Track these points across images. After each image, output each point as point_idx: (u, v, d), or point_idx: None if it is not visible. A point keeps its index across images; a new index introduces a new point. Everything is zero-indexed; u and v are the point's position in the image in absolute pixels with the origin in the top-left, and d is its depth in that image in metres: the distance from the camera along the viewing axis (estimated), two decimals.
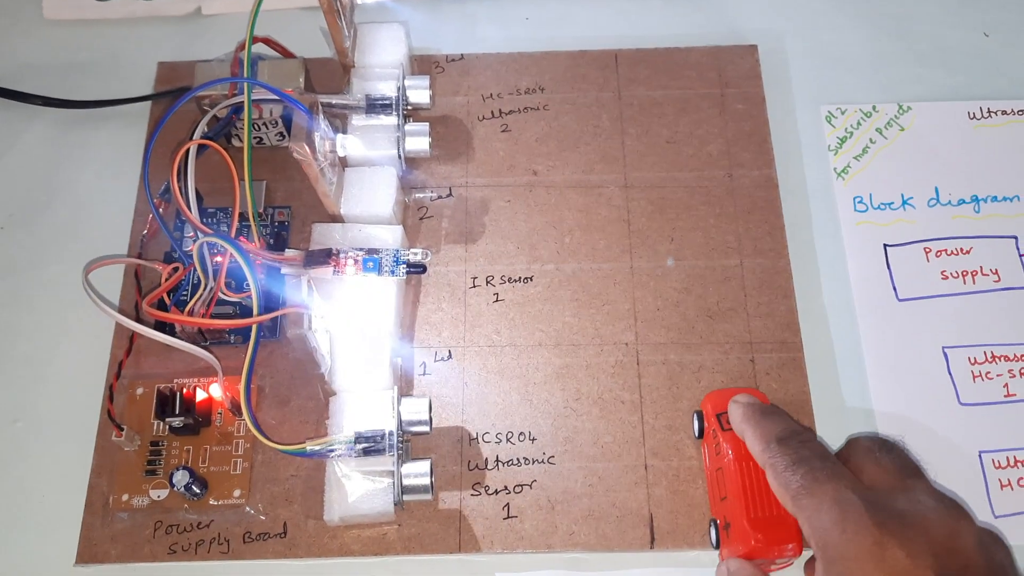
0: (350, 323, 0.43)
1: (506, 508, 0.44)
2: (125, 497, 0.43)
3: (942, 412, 0.46)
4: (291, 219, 0.50)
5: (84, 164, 0.53)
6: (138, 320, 0.45)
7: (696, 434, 0.45)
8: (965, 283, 0.48)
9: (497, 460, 0.45)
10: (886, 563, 0.34)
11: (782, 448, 0.39)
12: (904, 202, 0.50)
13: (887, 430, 0.45)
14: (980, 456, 0.45)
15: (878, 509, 0.35)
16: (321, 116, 0.42)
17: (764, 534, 0.39)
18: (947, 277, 0.48)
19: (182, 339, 0.43)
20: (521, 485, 0.44)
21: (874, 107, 0.53)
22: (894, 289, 0.48)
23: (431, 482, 0.42)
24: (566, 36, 0.56)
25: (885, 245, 0.49)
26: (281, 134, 0.51)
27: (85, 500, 0.44)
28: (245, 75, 0.46)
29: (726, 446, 0.41)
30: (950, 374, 0.46)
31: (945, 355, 0.47)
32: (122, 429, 0.43)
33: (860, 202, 0.51)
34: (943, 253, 0.49)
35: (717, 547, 0.42)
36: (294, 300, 0.39)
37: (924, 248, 0.49)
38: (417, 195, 0.51)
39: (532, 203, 0.51)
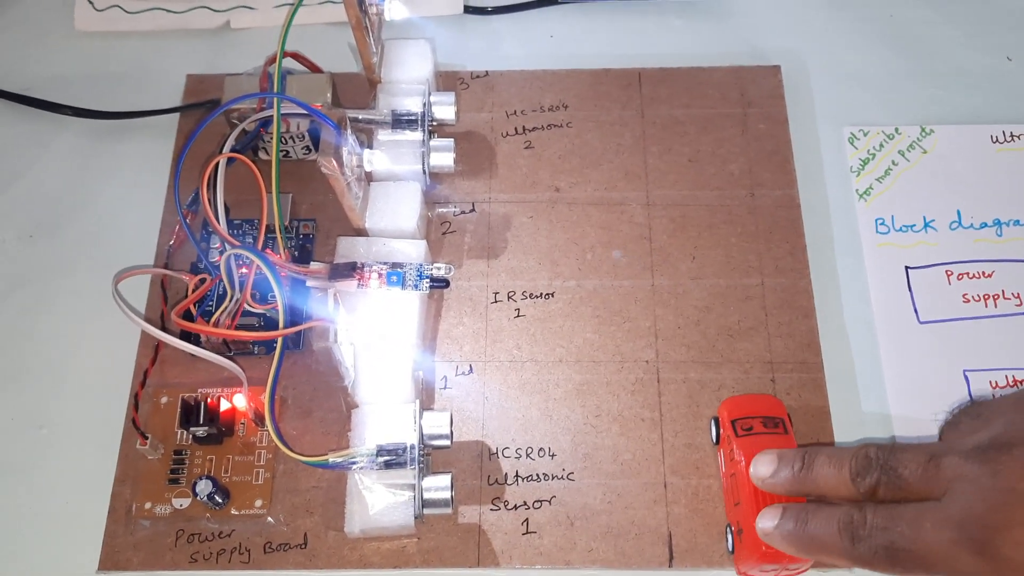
0: (373, 336, 0.44)
1: (525, 523, 0.44)
2: (148, 505, 0.44)
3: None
4: (316, 232, 0.50)
5: (112, 174, 0.53)
6: (164, 330, 0.46)
7: (713, 440, 0.45)
8: (987, 306, 0.48)
9: (517, 475, 0.45)
10: None
11: (868, 550, 0.35)
12: (926, 224, 0.51)
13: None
14: None
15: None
16: (349, 131, 0.43)
17: None
18: (969, 300, 0.48)
19: (207, 349, 0.43)
20: (540, 501, 0.44)
21: (897, 129, 0.53)
22: (915, 311, 0.48)
23: (451, 496, 0.42)
24: (590, 54, 0.57)
25: (907, 267, 0.50)
26: (307, 148, 0.51)
27: (108, 507, 0.44)
28: (275, 89, 0.46)
29: (739, 452, 0.41)
30: (971, 397, 0.46)
31: (966, 378, 0.47)
32: (147, 437, 0.44)
33: (882, 224, 0.51)
34: (965, 276, 0.49)
35: (732, 552, 0.42)
36: (320, 313, 0.39)
37: (946, 271, 0.49)
38: (440, 210, 0.52)
39: (554, 219, 0.51)
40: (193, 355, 0.43)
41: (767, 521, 0.38)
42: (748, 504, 0.40)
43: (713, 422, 0.45)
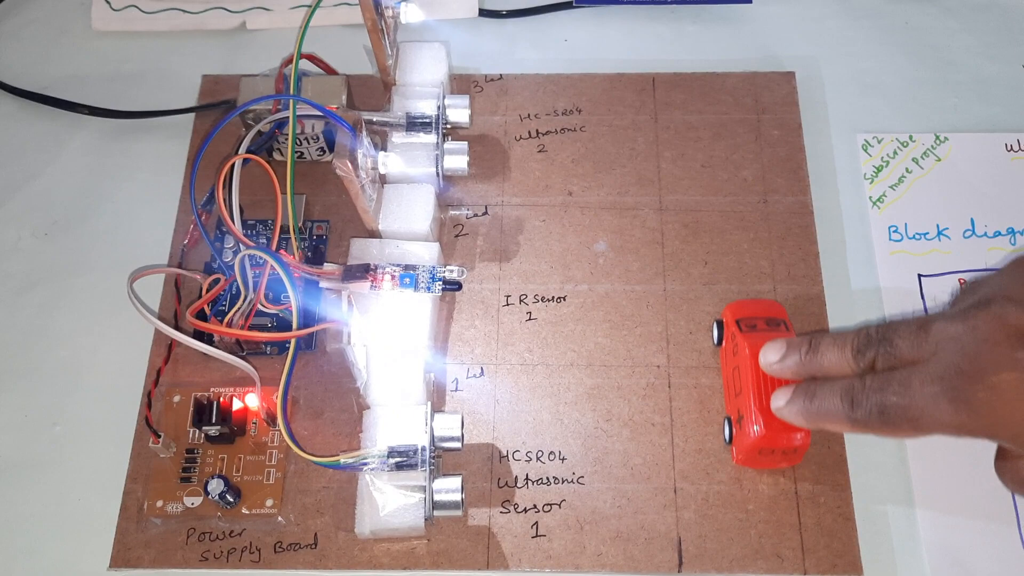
0: (386, 338, 0.44)
1: (535, 527, 0.44)
2: (159, 503, 0.44)
3: (974, 443, 0.45)
4: (329, 233, 0.51)
5: (128, 174, 0.54)
6: (177, 329, 0.46)
7: (715, 342, 0.47)
8: None
9: (527, 478, 0.45)
10: None
11: (865, 413, 0.37)
12: (939, 232, 0.50)
13: (918, 466, 0.45)
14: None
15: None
16: (364, 134, 0.43)
17: (774, 420, 0.41)
18: None
19: (220, 349, 0.44)
20: (550, 504, 0.44)
21: (911, 137, 0.53)
22: None
23: (462, 498, 0.42)
24: (604, 59, 0.57)
25: (920, 275, 0.49)
26: (322, 149, 0.51)
27: (120, 505, 0.45)
28: (290, 91, 0.47)
29: (744, 344, 0.43)
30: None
31: None
32: (159, 436, 0.44)
33: (895, 231, 0.51)
34: None
35: (730, 443, 0.45)
36: (333, 315, 0.39)
37: (959, 279, 0.49)
38: (453, 212, 0.52)
39: (567, 223, 0.51)
40: (206, 355, 0.44)
41: (780, 400, 0.40)
42: (748, 391, 0.42)
43: (716, 325, 0.47)
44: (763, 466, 0.45)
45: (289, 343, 0.43)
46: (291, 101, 0.44)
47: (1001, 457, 0.39)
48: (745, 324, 0.44)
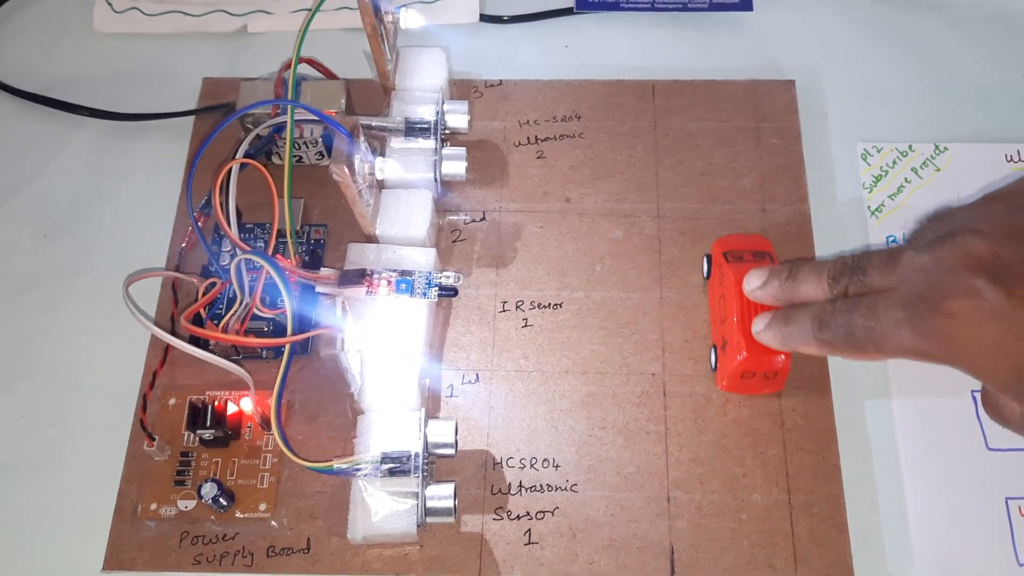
0: (381, 344, 0.44)
1: (527, 534, 0.44)
2: (153, 506, 0.44)
3: (969, 456, 0.45)
4: (327, 237, 0.51)
5: (127, 175, 0.54)
6: (173, 331, 0.46)
7: (704, 275, 0.49)
8: None
9: (520, 485, 0.45)
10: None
11: (832, 335, 0.39)
12: None
13: (913, 469, 0.45)
14: (1007, 503, 0.44)
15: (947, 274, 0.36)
16: (361, 139, 0.43)
17: (756, 343, 0.43)
18: None
19: (216, 352, 0.44)
20: (543, 511, 0.44)
21: (910, 146, 0.53)
22: None
23: (454, 505, 0.42)
24: (604, 65, 0.57)
25: None
26: (320, 153, 0.51)
27: (115, 507, 0.45)
28: (289, 95, 0.47)
29: (730, 273, 0.45)
30: (979, 418, 0.46)
31: (974, 399, 0.47)
32: (153, 439, 0.44)
33: (894, 241, 0.51)
34: None
35: (715, 369, 0.46)
36: (328, 321, 0.39)
37: (982, 395, 0.49)
38: (451, 217, 0.52)
39: (564, 230, 0.51)
40: None
41: (759, 324, 0.43)
42: (733, 318, 0.44)
43: (705, 259, 0.49)
44: (747, 391, 0.46)
45: (284, 347, 0.43)
46: (289, 107, 0.44)
47: (985, 394, 0.41)
48: (732, 256, 0.46)
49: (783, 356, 0.43)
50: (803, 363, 0.47)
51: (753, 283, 0.43)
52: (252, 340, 0.44)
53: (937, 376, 0.46)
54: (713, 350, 0.47)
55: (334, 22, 0.57)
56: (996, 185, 0.50)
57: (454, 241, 0.51)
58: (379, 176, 0.47)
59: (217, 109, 0.55)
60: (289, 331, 0.41)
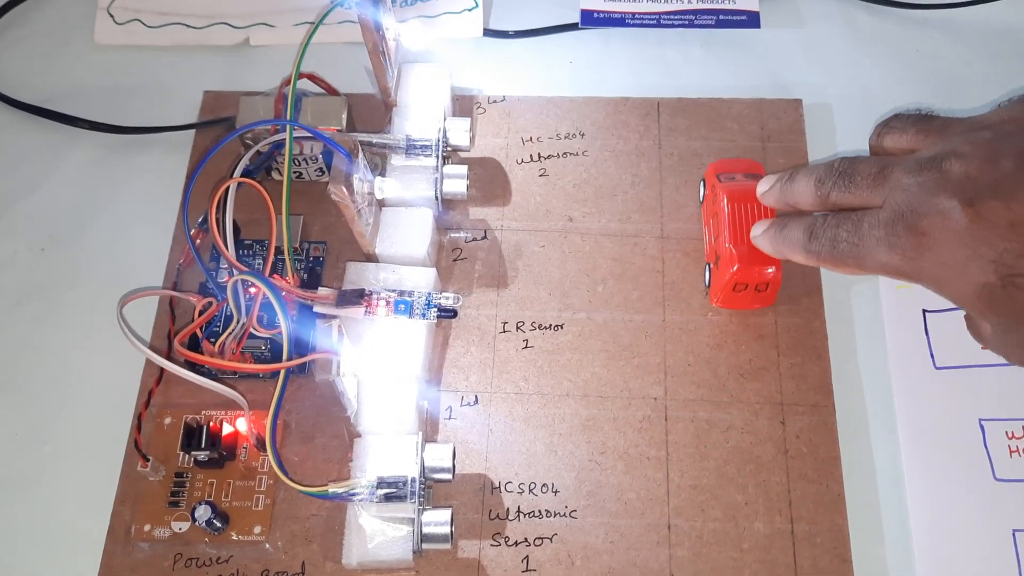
0: (378, 365, 0.44)
1: (525, 561, 0.43)
2: (147, 527, 0.44)
3: (976, 486, 0.45)
4: (326, 254, 0.50)
5: (126, 189, 0.53)
6: (170, 348, 0.45)
7: (700, 199, 0.51)
8: None
9: (519, 511, 0.44)
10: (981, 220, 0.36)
11: (819, 246, 0.41)
12: None
13: (918, 501, 0.44)
14: (1014, 535, 0.43)
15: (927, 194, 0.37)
16: (360, 159, 0.43)
17: (747, 255, 0.45)
18: None
19: (212, 369, 0.43)
20: (541, 538, 0.44)
21: None
22: (932, 356, 0.47)
23: (451, 531, 0.41)
24: (609, 82, 0.56)
25: (924, 310, 0.49)
26: (321, 170, 0.51)
27: (108, 527, 0.44)
28: (288, 112, 0.46)
29: (722, 192, 0.47)
30: (986, 448, 0.45)
31: (982, 427, 0.46)
32: (148, 460, 0.43)
33: None
34: None
35: (708, 287, 0.48)
36: (323, 345, 0.39)
37: (964, 316, 0.48)
38: (452, 235, 0.51)
39: (566, 249, 0.51)
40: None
41: (758, 228, 0.45)
42: (724, 233, 0.46)
43: (701, 184, 0.51)
44: (739, 306, 0.48)
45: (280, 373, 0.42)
46: (288, 126, 0.44)
47: (967, 316, 0.42)
48: (724, 176, 0.48)
49: (773, 268, 0.45)
50: (809, 391, 0.46)
51: (762, 186, 0.45)
52: (246, 366, 0.43)
53: (944, 404, 0.46)
54: (707, 268, 0.49)
55: (337, 36, 0.57)
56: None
57: (455, 260, 0.50)
58: (378, 196, 0.47)
59: (218, 123, 0.54)
60: (285, 355, 0.40)
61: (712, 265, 0.48)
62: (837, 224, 0.40)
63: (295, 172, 0.51)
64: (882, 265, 0.39)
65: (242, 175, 0.46)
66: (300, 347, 0.44)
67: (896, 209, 0.38)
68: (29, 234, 0.52)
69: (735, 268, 0.45)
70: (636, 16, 0.58)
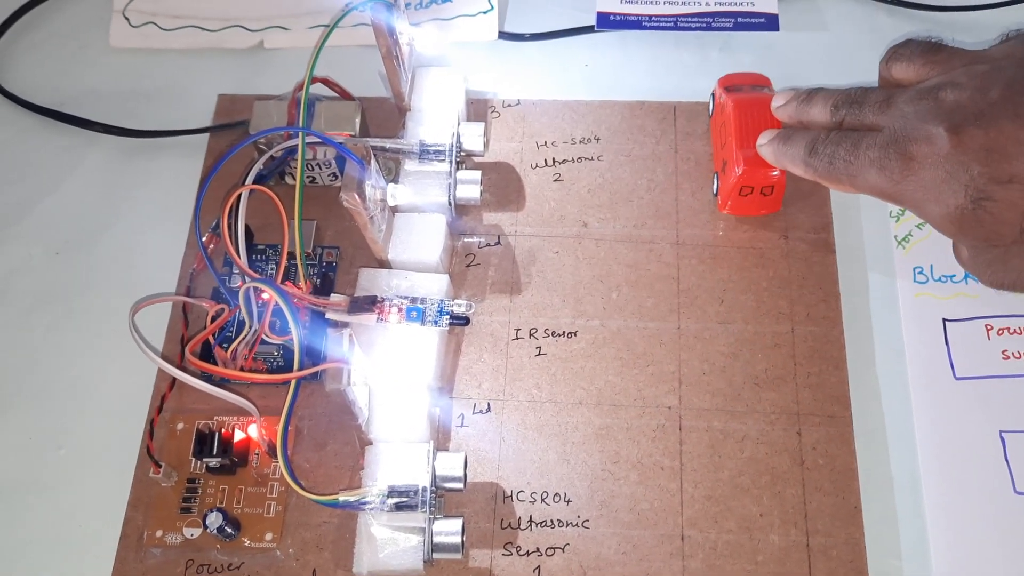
0: (390, 373, 0.43)
1: (537, 571, 0.43)
2: (159, 533, 0.44)
3: (996, 500, 0.44)
4: (339, 260, 0.50)
5: (141, 193, 0.53)
6: (182, 354, 0.45)
7: (710, 113, 0.53)
8: None
9: (531, 520, 0.44)
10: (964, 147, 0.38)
11: (817, 161, 0.43)
12: (966, 275, 0.49)
13: (937, 513, 0.43)
14: None
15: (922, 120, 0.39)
16: (373, 165, 0.42)
17: (753, 158, 0.46)
18: (1008, 357, 0.47)
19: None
20: (553, 548, 0.43)
21: None
22: (952, 366, 0.47)
23: (462, 541, 0.41)
24: (625, 85, 0.55)
25: (944, 320, 0.48)
26: (334, 174, 0.51)
27: (120, 532, 0.44)
28: (301, 117, 0.46)
29: (729, 100, 0.49)
30: (1007, 460, 0.45)
31: (1002, 439, 0.45)
32: (160, 466, 0.43)
33: (920, 273, 0.49)
34: (1005, 331, 0.47)
35: (716, 195, 0.50)
36: (334, 354, 0.38)
37: (985, 325, 0.47)
38: (466, 240, 0.51)
39: (580, 255, 0.50)
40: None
41: (763, 138, 0.46)
42: (731, 139, 0.48)
43: (711, 97, 0.52)
44: (748, 211, 0.50)
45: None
46: (300, 132, 0.44)
47: (953, 244, 0.44)
48: (732, 88, 0.50)
49: (777, 171, 0.46)
50: (826, 401, 0.46)
51: (778, 100, 0.47)
52: (256, 376, 0.44)
53: (963, 415, 0.45)
54: (715, 177, 0.50)
55: (352, 39, 0.56)
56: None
57: (468, 265, 0.50)
58: (391, 202, 0.47)
59: (232, 127, 0.54)
60: (296, 365, 0.40)
61: (719, 172, 0.50)
62: (837, 142, 0.42)
63: (308, 176, 0.51)
64: (871, 186, 0.41)
65: (255, 180, 0.45)
66: (312, 353, 0.44)
67: (892, 133, 0.40)
68: (44, 238, 0.52)
69: (740, 170, 0.46)
70: (653, 19, 0.57)
